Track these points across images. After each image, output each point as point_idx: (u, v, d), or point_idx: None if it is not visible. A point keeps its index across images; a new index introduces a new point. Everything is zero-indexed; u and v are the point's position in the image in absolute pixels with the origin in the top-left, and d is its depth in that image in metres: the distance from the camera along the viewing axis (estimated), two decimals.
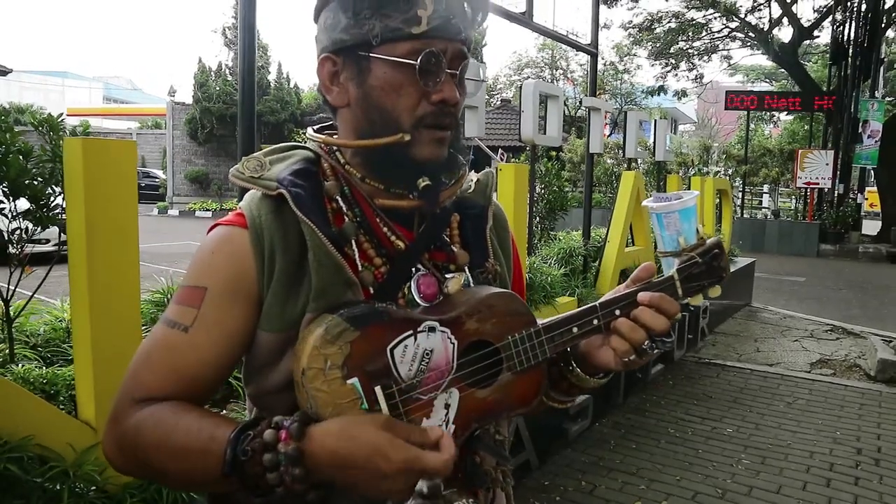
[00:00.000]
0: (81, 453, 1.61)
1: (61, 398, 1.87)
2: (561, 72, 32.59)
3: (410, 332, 0.86)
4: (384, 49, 0.89)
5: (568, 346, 0.96)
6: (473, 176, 1.07)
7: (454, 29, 0.91)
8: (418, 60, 0.88)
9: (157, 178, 27.26)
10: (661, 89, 20.78)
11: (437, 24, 0.89)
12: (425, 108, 0.91)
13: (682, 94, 21.75)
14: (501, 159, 20.04)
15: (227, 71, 23.90)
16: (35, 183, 2.02)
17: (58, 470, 1.55)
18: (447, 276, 0.97)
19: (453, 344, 0.89)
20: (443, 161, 0.94)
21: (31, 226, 2.16)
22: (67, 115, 1.95)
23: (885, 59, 19.60)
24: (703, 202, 7.09)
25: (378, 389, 0.84)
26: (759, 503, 3.28)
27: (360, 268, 0.92)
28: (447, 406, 0.89)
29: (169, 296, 2.73)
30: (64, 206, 2.06)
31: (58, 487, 1.55)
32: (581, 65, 30.92)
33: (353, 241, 0.92)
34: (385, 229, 0.95)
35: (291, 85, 24.36)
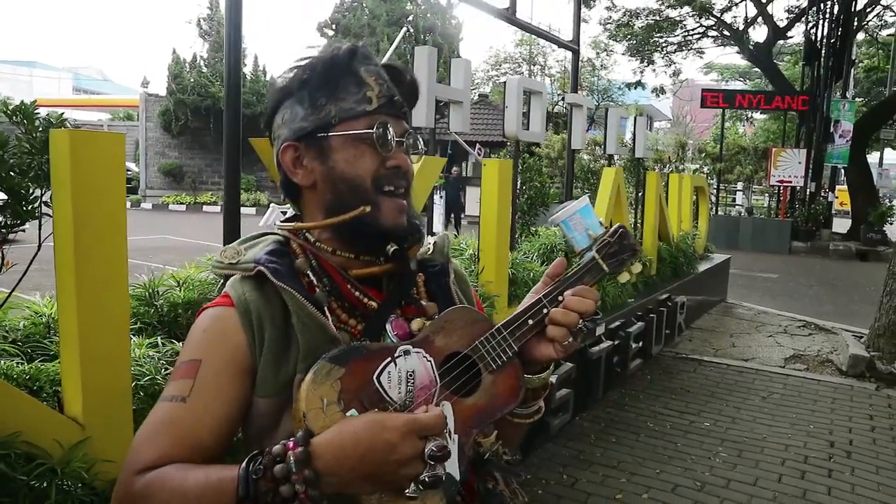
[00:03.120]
0: (69, 450, 1.59)
1: (45, 394, 1.84)
2: (538, 67, 32.69)
3: (389, 358, 0.94)
4: (342, 128, 1.02)
5: (528, 336, 1.04)
6: (430, 239, 1.20)
7: (398, 105, 1.06)
8: (374, 129, 1.01)
9: (129, 170, 26.86)
10: (639, 84, 20.95)
11: (384, 102, 1.03)
12: (382, 171, 1.03)
13: (659, 90, 21.95)
14: (479, 154, 20.06)
15: (202, 62, 23.62)
16: (12, 175, 1.97)
17: (45, 467, 1.53)
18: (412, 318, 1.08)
19: (430, 361, 0.98)
20: (405, 228, 1.06)
21: (8, 220, 2.11)
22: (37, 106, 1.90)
23: (856, 61, 19.99)
24: (680, 199, 7.19)
25: (370, 416, 0.89)
26: (737, 495, 3.34)
27: (336, 331, 1.00)
28: (444, 419, 0.93)
29: (151, 290, 2.69)
30: (45, 199, 2.03)
31: (44, 485, 1.53)
32: (559, 61, 31.06)
33: (326, 308, 1.01)
34: (357, 293, 1.05)
35: (268, 77, 24.13)
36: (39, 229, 2.06)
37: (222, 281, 1.07)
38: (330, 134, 1.02)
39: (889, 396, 4.95)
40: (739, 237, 15.35)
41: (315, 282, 1.03)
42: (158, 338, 2.14)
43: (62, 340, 1.67)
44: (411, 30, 22.95)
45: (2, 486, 1.47)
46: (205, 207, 22.34)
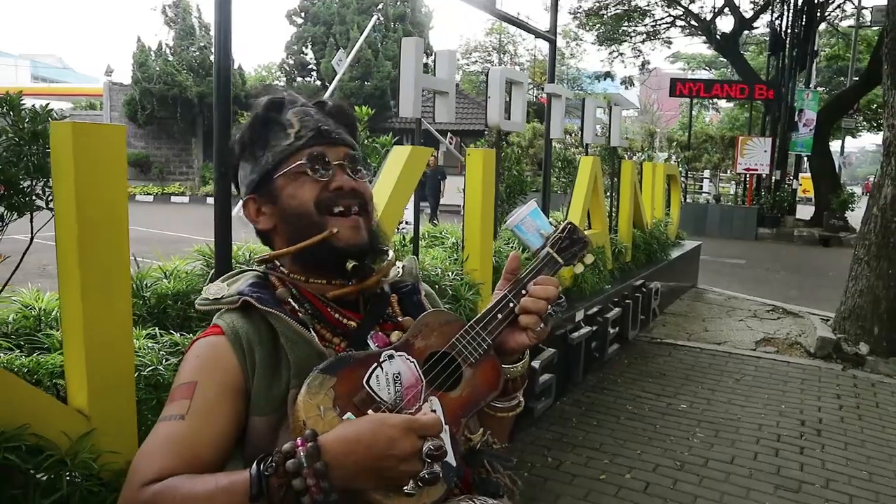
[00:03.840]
0: (76, 441, 1.60)
1: (44, 387, 1.84)
2: (509, 56, 32.75)
3: (375, 363, 1.02)
4: (280, 169, 1.13)
5: (499, 329, 1.13)
6: (399, 263, 1.29)
7: (327, 133, 1.15)
8: (304, 159, 1.12)
9: None
10: (608, 75, 21.13)
11: (312, 135, 1.13)
12: (325, 195, 1.12)
13: (628, 81, 22.17)
14: (451, 143, 20.02)
15: (168, 51, 23.18)
16: (8, 166, 1.96)
17: (54, 459, 1.54)
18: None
19: (413, 362, 1.06)
20: (364, 245, 1.14)
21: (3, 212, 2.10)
22: None
23: (818, 51, 20.41)
24: (654, 187, 7.31)
25: (370, 413, 0.96)
26: (715, 473, 3.46)
27: (323, 348, 1.07)
28: (434, 411, 1.02)
29: (139, 282, 2.69)
30: (38, 191, 2.02)
31: (53, 477, 1.54)
32: (528, 50, 31.15)
33: (311, 329, 1.09)
34: (336, 315, 1.13)
35: (235, 66, 23.78)
36: (31, 221, 2.05)
37: (210, 306, 1.16)
38: (274, 177, 1.13)
39: (854, 376, 5.14)
40: (707, 224, 15.64)
41: (297, 307, 1.11)
42: (156, 329, 2.15)
43: (65, 331, 1.67)
44: (381, 18, 22.81)
45: (12, 478, 1.48)
46: (173, 198, 22.01)
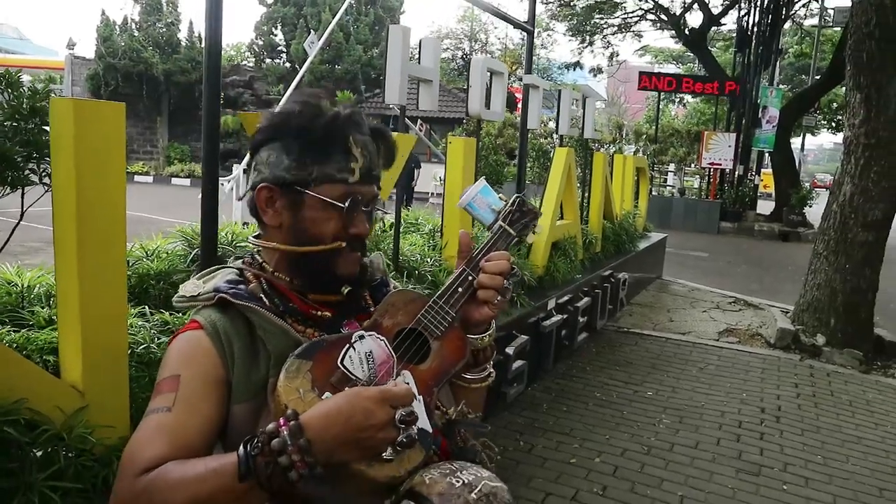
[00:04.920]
0: (71, 416, 1.62)
1: (35, 362, 1.85)
2: (480, 45, 32.72)
3: (347, 345, 1.08)
4: (318, 190, 1.12)
5: (460, 303, 1.19)
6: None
7: (374, 177, 1.18)
8: (346, 204, 1.12)
9: None
10: (578, 64, 21.29)
11: (364, 175, 1.14)
12: (344, 236, 1.15)
13: (597, 70, 22.37)
14: (421, 130, 19.99)
15: (134, 26, 22.63)
16: (2, 142, 1.95)
17: (50, 434, 1.56)
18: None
19: (383, 340, 1.13)
20: (357, 275, 1.20)
21: None
22: None
23: (783, 49, 20.86)
24: (624, 179, 7.44)
25: (347, 390, 1.01)
26: (680, 457, 3.59)
27: (299, 337, 1.11)
28: (407, 384, 1.08)
29: None
30: (32, 167, 2.01)
31: (49, 451, 1.55)
32: (500, 38, 31.14)
33: (285, 320, 1.13)
34: (311, 309, 1.16)
35: (203, 44, 23.33)
36: (22, 197, 2.04)
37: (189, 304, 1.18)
38: (306, 192, 1.12)
39: (811, 366, 5.35)
40: (672, 217, 15.93)
41: (268, 303, 1.14)
42: (146, 307, 2.16)
43: (60, 306, 1.68)
44: (353, 1, 22.56)
45: (9, 452, 1.49)
46: (136, 177, 21.55)
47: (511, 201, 1.28)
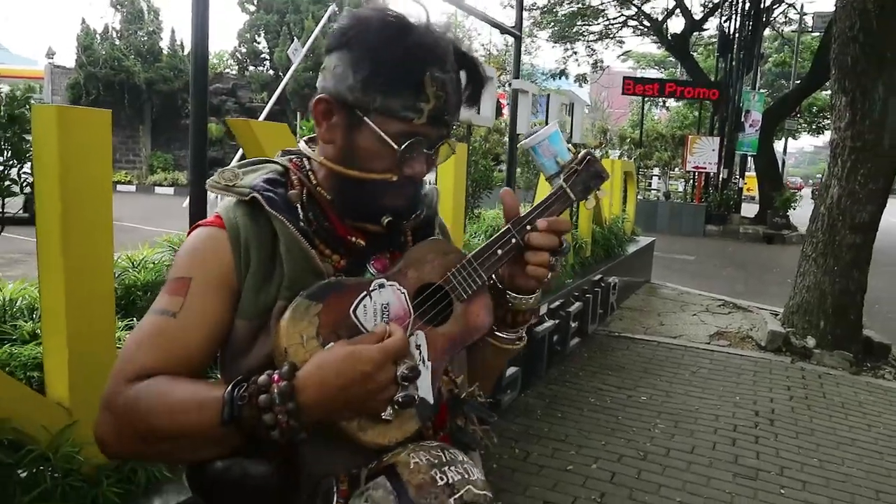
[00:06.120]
0: (57, 435, 1.55)
1: (18, 378, 1.78)
2: None
3: (364, 292, 0.97)
4: (378, 120, 0.99)
5: (497, 267, 1.08)
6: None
7: (443, 121, 1.02)
8: (401, 148, 0.99)
9: None
10: (563, 73, 21.38)
11: (432, 117, 1.00)
12: (395, 175, 1.02)
13: (582, 79, 22.47)
14: None
15: (115, 34, 22.44)
16: None
17: (36, 453, 1.49)
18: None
19: (403, 293, 1.00)
20: (405, 208, 1.06)
21: None
22: None
23: (764, 55, 21.07)
24: (612, 183, 7.44)
25: (347, 348, 0.92)
26: (677, 462, 3.56)
27: (321, 263, 1.01)
28: (418, 347, 1.00)
29: None
30: (12, 175, 1.94)
31: (34, 472, 1.49)
32: (483, 45, 31.16)
33: (314, 240, 1.03)
34: (347, 231, 1.06)
35: (186, 52, 23.17)
36: (3, 207, 1.98)
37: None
38: (364, 118, 1.00)
39: (803, 368, 5.35)
40: (657, 220, 15.99)
41: (303, 215, 1.04)
42: (134, 319, 2.09)
43: (45, 321, 1.62)
44: (337, 9, 22.51)
45: None
46: (119, 187, 21.31)
47: (580, 158, 1.14)
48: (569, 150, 1.15)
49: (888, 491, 3.42)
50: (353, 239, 1.06)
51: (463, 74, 1.06)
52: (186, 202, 3.24)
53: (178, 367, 0.94)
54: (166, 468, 1.83)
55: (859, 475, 3.56)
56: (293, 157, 1.12)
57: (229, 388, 0.88)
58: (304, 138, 1.13)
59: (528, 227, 1.08)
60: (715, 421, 4.16)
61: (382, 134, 0.99)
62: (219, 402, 0.87)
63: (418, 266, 1.04)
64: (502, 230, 1.09)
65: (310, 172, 1.08)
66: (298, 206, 1.04)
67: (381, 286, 0.99)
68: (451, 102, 1.02)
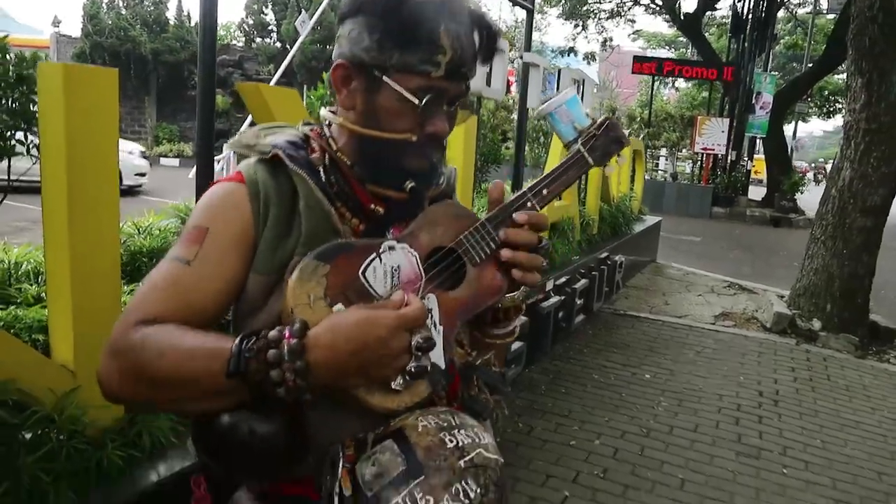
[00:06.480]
0: (62, 397, 1.54)
1: (23, 341, 1.77)
2: None
3: (374, 254, 0.95)
4: (397, 77, 0.98)
5: None
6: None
7: (462, 75, 1.01)
8: (422, 102, 0.98)
9: None
10: (572, 50, 21.14)
11: (450, 70, 0.98)
12: (418, 134, 1.01)
13: (590, 57, 22.22)
14: None
15: (122, 4, 22.25)
16: None
17: (41, 415, 1.48)
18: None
19: (415, 256, 0.99)
20: (427, 172, 1.05)
21: None
22: None
23: (777, 36, 20.78)
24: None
25: (361, 312, 0.90)
26: (680, 440, 3.56)
27: (340, 225, 1.01)
28: (429, 311, 0.97)
29: None
30: (18, 136, 1.92)
31: (39, 433, 1.48)
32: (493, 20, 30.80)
33: (334, 202, 1.02)
34: (367, 197, 1.04)
35: (192, 23, 22.97)
36: (9, 168, 1.95)
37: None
38: (383, 78, 0.99)
39: (808, 350, 5.33)
40: (664, 201, 15.90)
41: (324, 178, 1.03)
42: (139, 285, 2.08)
43: (50, 284, 1.61)
44: None
45: None
46: None
47: (599, 122, 1.11)
48: (587, 115, 1.13)
49: (891, 473, 3.41)
50: (373, 206, 1.04)
51: (475, 36, 1.04)
52: (192, 173, 3.21)
53: (189, 314, 0.93)
54: (172, 434, 1.83)
55: (862, 457, 3.56)
56: (313, 126, 1.11)
57: (237, 340, 0.87)
58: (325, 108, 1.11)
59: (545, 192, 1.07)
60: (719, 400, 4.15)
61: (402, 90, 0.98)
62: (227, 352, 0.86)
63: (430, 229, 1.02)
64: (517, 194, 1.07)
65: (330, 139, 1.07)
66: (321, 168, 1.03)
67: (391, 248, 0.97)
68: (468, 55, 1.01)
